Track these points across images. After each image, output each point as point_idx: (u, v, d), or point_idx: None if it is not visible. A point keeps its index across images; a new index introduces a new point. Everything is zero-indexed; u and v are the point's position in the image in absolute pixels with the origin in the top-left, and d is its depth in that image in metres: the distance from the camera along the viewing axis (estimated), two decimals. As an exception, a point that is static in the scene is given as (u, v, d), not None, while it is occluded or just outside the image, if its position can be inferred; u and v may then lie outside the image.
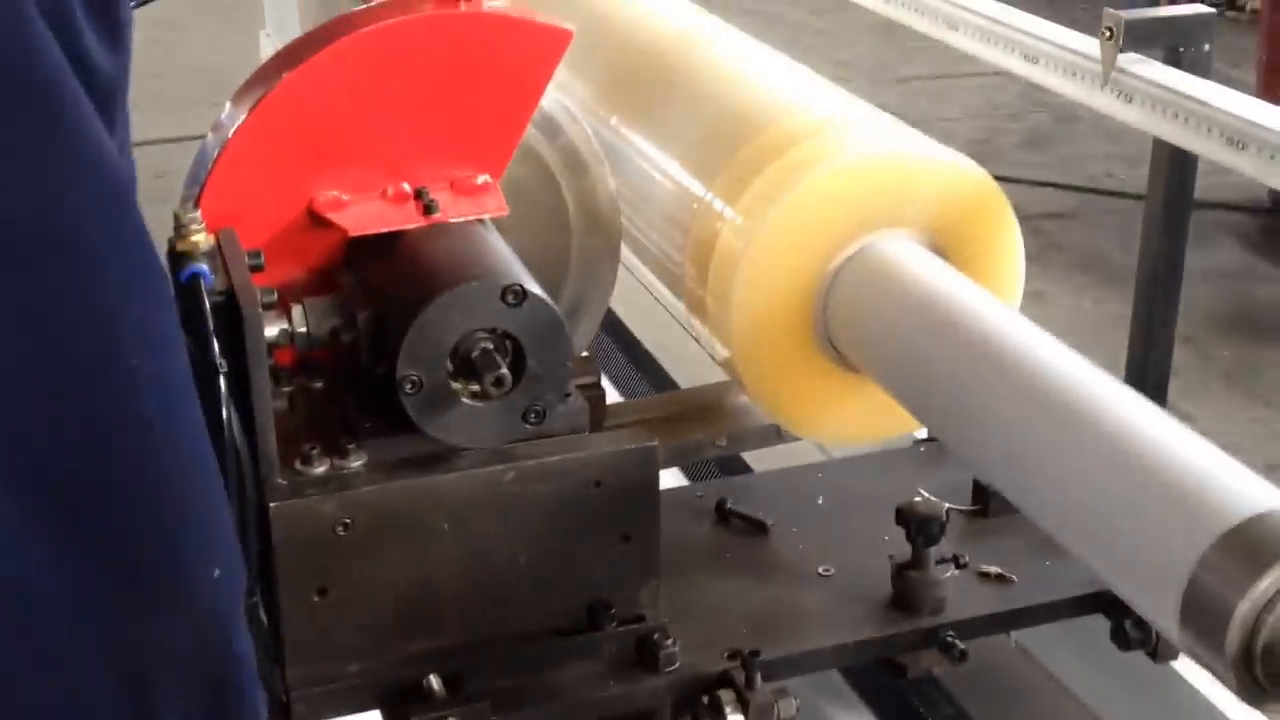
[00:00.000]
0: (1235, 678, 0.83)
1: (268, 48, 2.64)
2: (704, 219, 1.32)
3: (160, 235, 0.87)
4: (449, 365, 1.13)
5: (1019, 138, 5.28)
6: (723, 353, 1.33)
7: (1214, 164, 4.94)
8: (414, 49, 1.22)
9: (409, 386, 1.12)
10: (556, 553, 1.20)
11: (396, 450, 1.17)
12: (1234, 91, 1.28)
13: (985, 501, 1.41)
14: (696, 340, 1.41)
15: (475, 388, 1.13)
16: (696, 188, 1.35)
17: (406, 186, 1.24)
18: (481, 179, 1.27)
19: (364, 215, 1.23)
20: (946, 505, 1.27)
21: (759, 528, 1.41)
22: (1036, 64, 1.45)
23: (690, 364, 1.78)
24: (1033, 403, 1.04)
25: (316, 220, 1.23)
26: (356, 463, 1.15)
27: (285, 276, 1.22)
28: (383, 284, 1.19)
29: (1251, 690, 0.83)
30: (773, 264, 1.25)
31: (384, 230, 1.22)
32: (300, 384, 1.22)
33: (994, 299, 1.20)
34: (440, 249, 1.19)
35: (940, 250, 1.27)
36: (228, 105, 1.22)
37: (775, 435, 1.44)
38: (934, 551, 1.28)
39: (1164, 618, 0.88)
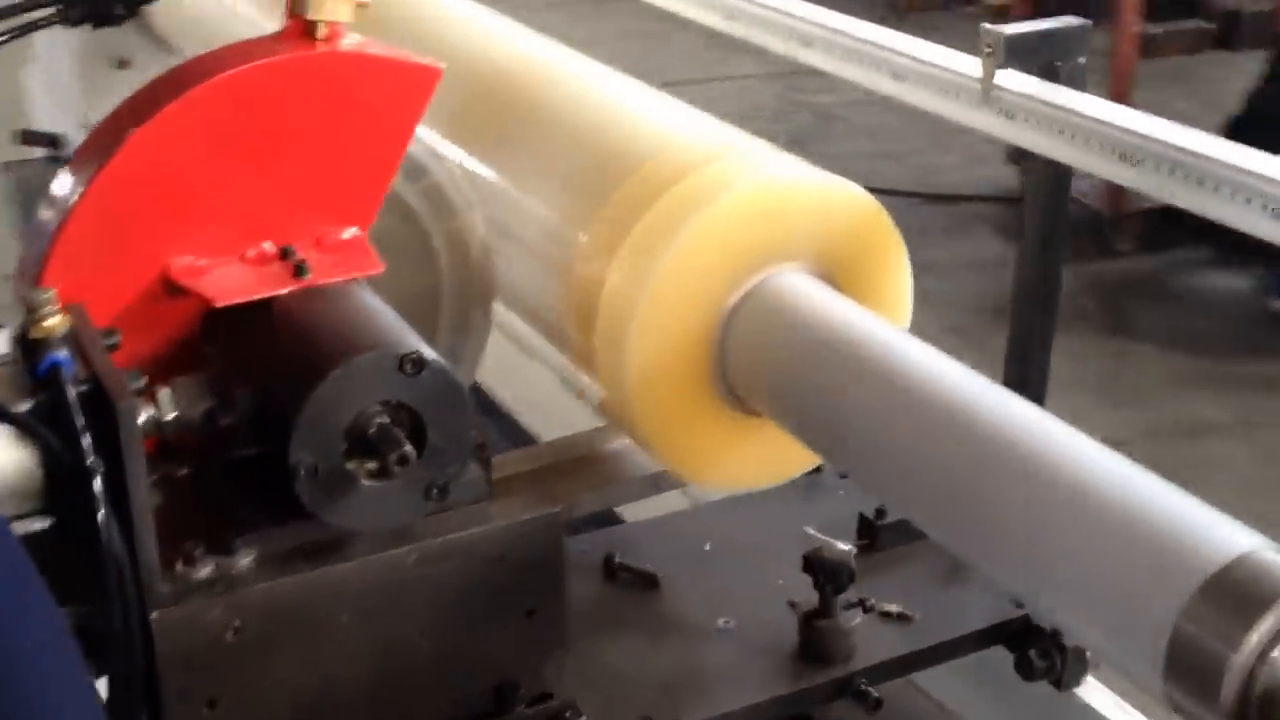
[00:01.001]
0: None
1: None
2: (585, 263, 1.25)
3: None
4: (344, 445, 1.03)
5: (783, 139, 5.31)
6: (599, 396, 1.27)
7: (969, 158, 5.10)
8: (272, 95, 1.12)
9: (303, 472, 1.02)
10: (461, 635, 1.12)
11: (286, 540, 1.06)
12: (1119, 106, 1.28)
13: (873, 535, 1.39)
14: (570, 388, 1.34)
15: (373, 466, 1.04)
16: (571, 230, 1.29)
17: (269, 246, 1.14)
18: (349, 233, 1.18)
19: (228, 282, 1.12)
20: (852, 548, 1.24)
21: (649, 581, 1.36)
22: (905, 81, 1.43)
23: (547, 412, 1.71)
24: (971, 446, 1.02)
25: (170, 289, 1.12)
26: (244, 560, 1.05)
27: (137, 353, 1.10)
28: (260, 359, 1.08)
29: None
30: (667, 309, 1.20)
31: (253, 298, 1.11)
32: (163, 473, 1.10)
33: (906, 333, 1.17)
34: (321, 316, 1.09)
35: (831, 280, 1.23)
36: (63, 170, 1.10)
37: (660, 484, 1.38)
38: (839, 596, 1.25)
39: (1144, 671, 0.86)
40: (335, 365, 1.02)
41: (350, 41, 1.16)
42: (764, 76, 5.82)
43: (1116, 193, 4.43)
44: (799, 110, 5.68)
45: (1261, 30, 6.12)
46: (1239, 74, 5.66)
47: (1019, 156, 4.74)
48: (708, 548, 1.40)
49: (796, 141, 5.29)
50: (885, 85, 1.47)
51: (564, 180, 1.32)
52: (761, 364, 1.20)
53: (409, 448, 1.02)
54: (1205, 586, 0.83)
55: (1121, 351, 4.02)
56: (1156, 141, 1.22)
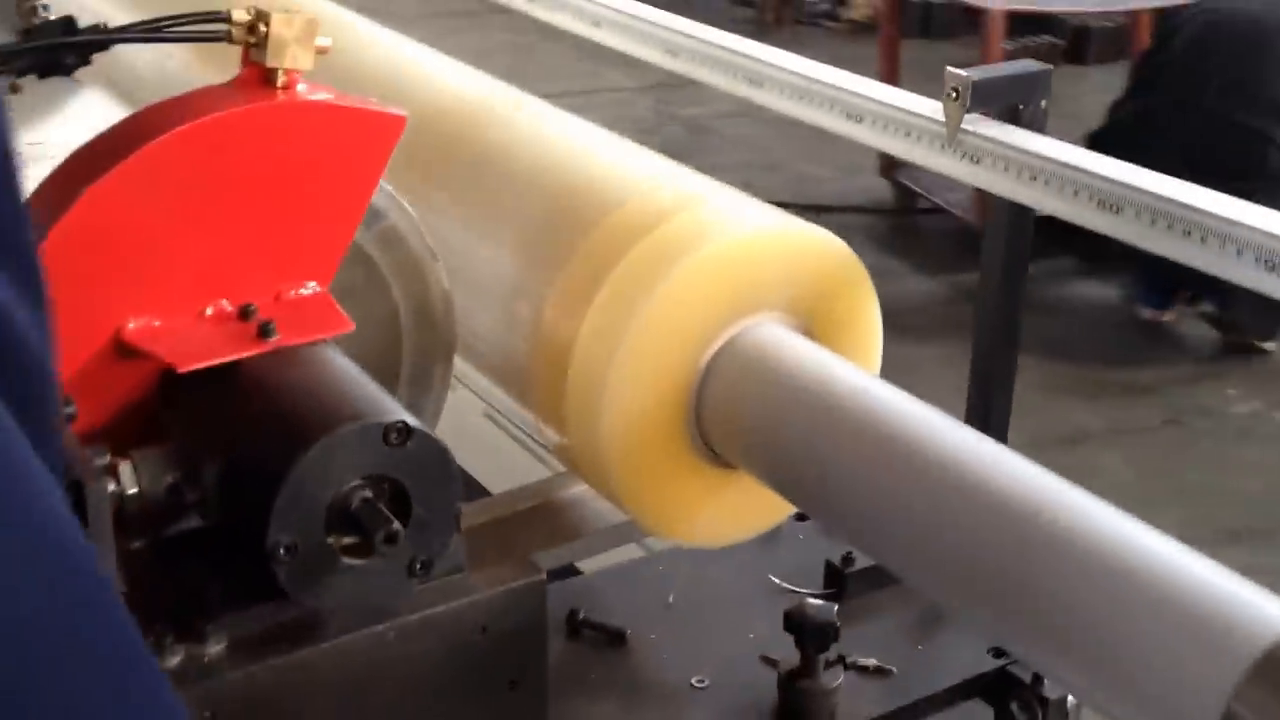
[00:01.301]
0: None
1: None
2: (554, 316, 1.20)
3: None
4: (325, 523, 0.97)
5: (658, 150, 5.33)
6: (569, 451, 1.22)
7: (842, 168, 5.13)
8: (231, 148, 1.04)
9: (282, 553, 0.95)
10: (442, 713, 1.06)
11: (258, 622, 1.00)
12: (1094, 153, 1.27)
13: (841, 584, 1.36)
14: (536, 439, 1.29)
15: (355, 544, 0.98)
16: (536, 281, 1.23)
17: (227, 305, 1.07)
18: (309, 289, 1.11)
19: (188, 345, 1.04)
20: (834, 605, 1.21)
21: (617, 637, 1.31)
22: (860, 123, 1.40)
23: (492, 460, 1.64)
24: (982, 510, 0.99)
25: (124, 352, 1.04)
26: (216, 646, 0.98)
27: (90, 422, 1.02)
28: (228, 429, 1.01)
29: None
30: (645, 364, 1.15)
31: (217, 362, 1.03)
32: (124, 550, 1.02)
33: (886, 383, 1.14)
34: (293, 382, 1.02)
35: (807, 328, 1.20)
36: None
37: (624, 535, 1.34)
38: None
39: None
40: (316, 439, 0.95)
41: (309, 90, 1.09)
42: (636, 89, 5.81)
43: (987, 206, 4.49)
44: (671, 123, 5.68)
45: (1109, 45, 6.30)
46: (1090, 87, 5.81)
47: (891, 168, 4.83)
48: (671, 599, 1.36)
49: (671, 154, 5.28)
50: (840, 126, 1.44)
51: (524, 229, 1.27)
52: (740, 417, 1.16)
53: (397, 525, 0.96)
54: (1259, 663, 0.81)
55: (999, 362, 4.09)
56: (1136, 190, 1.20)
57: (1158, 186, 1.21)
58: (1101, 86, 5.89)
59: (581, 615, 1.31)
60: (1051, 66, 1.37)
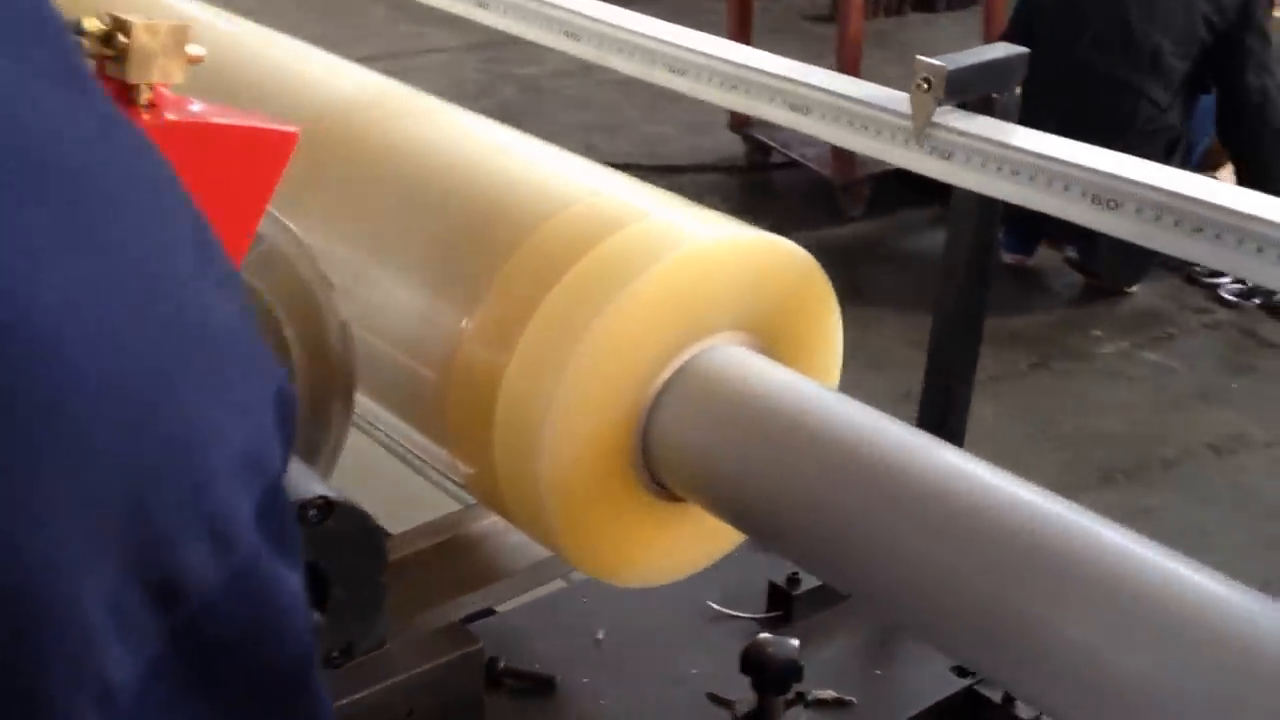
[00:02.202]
0: None
1: None
2: (475, 346, 1.06)
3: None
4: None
5: (492, 114, 5.16)
6: (494, 493, 1.09)
7: (687, 125, 5.03)
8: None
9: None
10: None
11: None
12: (1085, 146, 1.16)
13: (787, 605, 1.25)
14: (447, 475, 1.15)
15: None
16: (452, 307, 1.08)
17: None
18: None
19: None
20: (795, 641, 1.10)
21: (545, 685, 1.18)
22: (809, 115, 1.27)
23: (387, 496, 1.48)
24: (963, 535, 0.88)
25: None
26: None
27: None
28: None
29: None
30: (588, 397, 1.01)
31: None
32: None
33: (853, 400, 1.03)
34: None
35: (765, 345, 1.08)
36: None
37: (543, 573, 1.21)
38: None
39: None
40: (220, 524, 0.80)
41: (180, 106, 0.93)
42: (463, 48, 5.62)
43: (845, 160, 4.44)
44: (504, 83, 5.50)
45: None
46: (943, 35, 5.80)
47: (742, 123, 4.73)
48: (601, 635, 1.24)
49: (507, 117, 5.12)
50: (788, 119, 1.31)
51: (433, 247, 1.12)
52: (696, 448, 1.03)
53: (316, 615, 0.82)
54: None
55: (861, 316, 4.03)
56: (1136, 184, 1.10)
57: (1161, 180, 1.10)
58: (953, 35, 5.89)
59: (502, 664, 1.18)
60: (1027, 50, 1.26)
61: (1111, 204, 1.10)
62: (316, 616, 0.82)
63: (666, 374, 1.03)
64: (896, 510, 0.91)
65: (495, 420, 1.03)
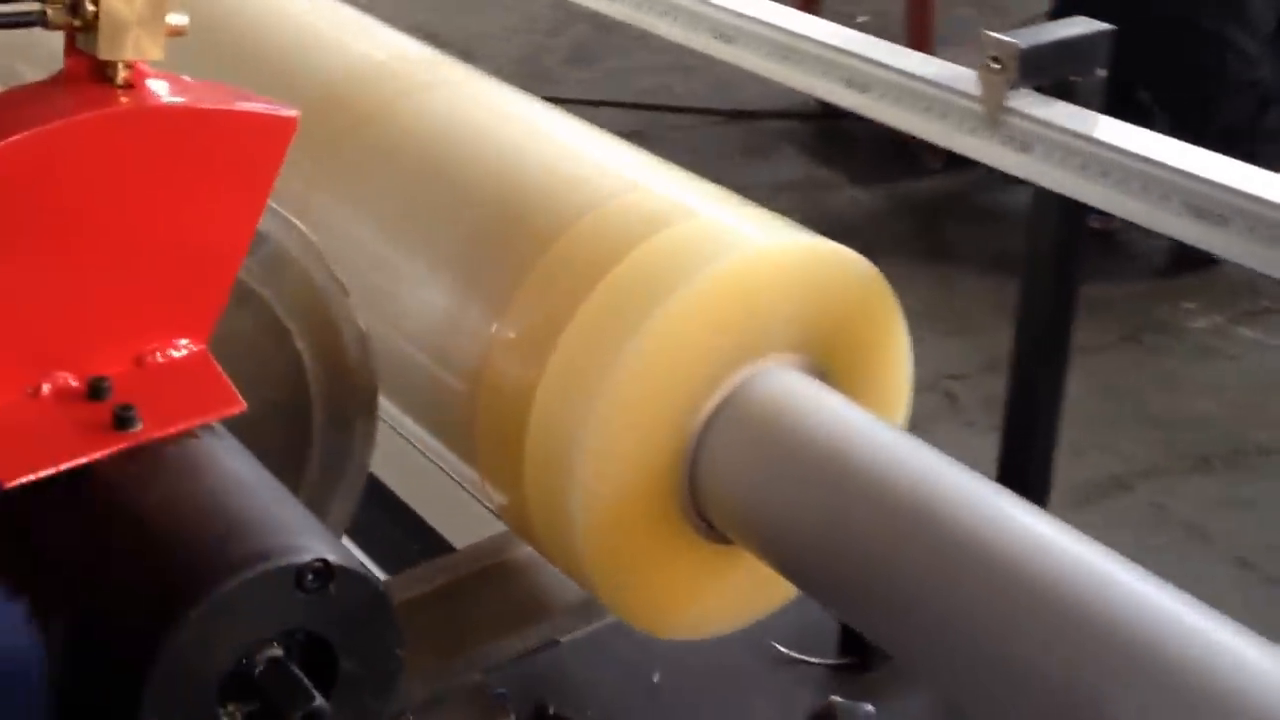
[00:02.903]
0: None
1: None
2: (505, 358, 0.94)
3: None
4: (219, 698, 0.71)
5: (564, 53, 4.99)
6: (529, 527, 0.97)
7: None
8: (58, 170, 0.77)
9: (162, 743, 0.69)
10: None
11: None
12: (1185, 145, 1.01)
13: (863, 651, 1.13)
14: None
15: (255, 710, 0.73)
16: (477, 313, 0.97)
17: (69, 379, 0.80)
18: (184, 348, 0.84)
19: (14, 443, 0.77)
20: (870, 709, 0.97)
21: (595, 733, 1.07)
22: (866, 93, 1.13)
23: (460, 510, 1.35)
24: (1035, 610, 0.77)
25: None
26: None
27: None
28: (78, 570, 0.74)
29: None
30: (625, 425, 0.90)
31: (57, 470, 0.76)
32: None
33: (924, 444, 0.90)
34: (165, 498, 0.76)
35: (824, 371, 0.96)
36: None
37: (593, 612, 1.09)
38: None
39: None
40: (201, 594, 0.69)
41: (164, 88, 0.81)
42: (537, -14, 5.44)
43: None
44: (575, 21, 5.32)
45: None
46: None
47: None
48: (657, 679, 1.12)
49: (579, 59, 4.97)
50: (843, 97, 1.17)
51: (459, 244, 1.00)
52: (742, 487, 0.92)
53: (321, 702, 0.70)
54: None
55: (943, 277, 3.86)
56: (1245, 195, 0.95)
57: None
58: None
59: (552, 710, 1.06)
60: (1111, 28, 1.10)
61: (1218, 218, 0.95)
62: (319, 700, 0.70)
63: (715, 400, 0.91)
64: (967, 579, 0.80)
65: (525, 450, 0.91)
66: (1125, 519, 2.84)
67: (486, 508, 1.02)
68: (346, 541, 0.96)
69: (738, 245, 0.91)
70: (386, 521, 1.28)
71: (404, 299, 1.01)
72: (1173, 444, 3.13)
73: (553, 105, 1.11)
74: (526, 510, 0.95)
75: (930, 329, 3.80)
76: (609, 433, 0.89)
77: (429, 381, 1.00)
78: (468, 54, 5.01)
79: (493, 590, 1.07)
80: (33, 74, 0.83)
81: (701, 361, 0.90)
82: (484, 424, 0.95)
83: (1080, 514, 3.04)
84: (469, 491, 1.04)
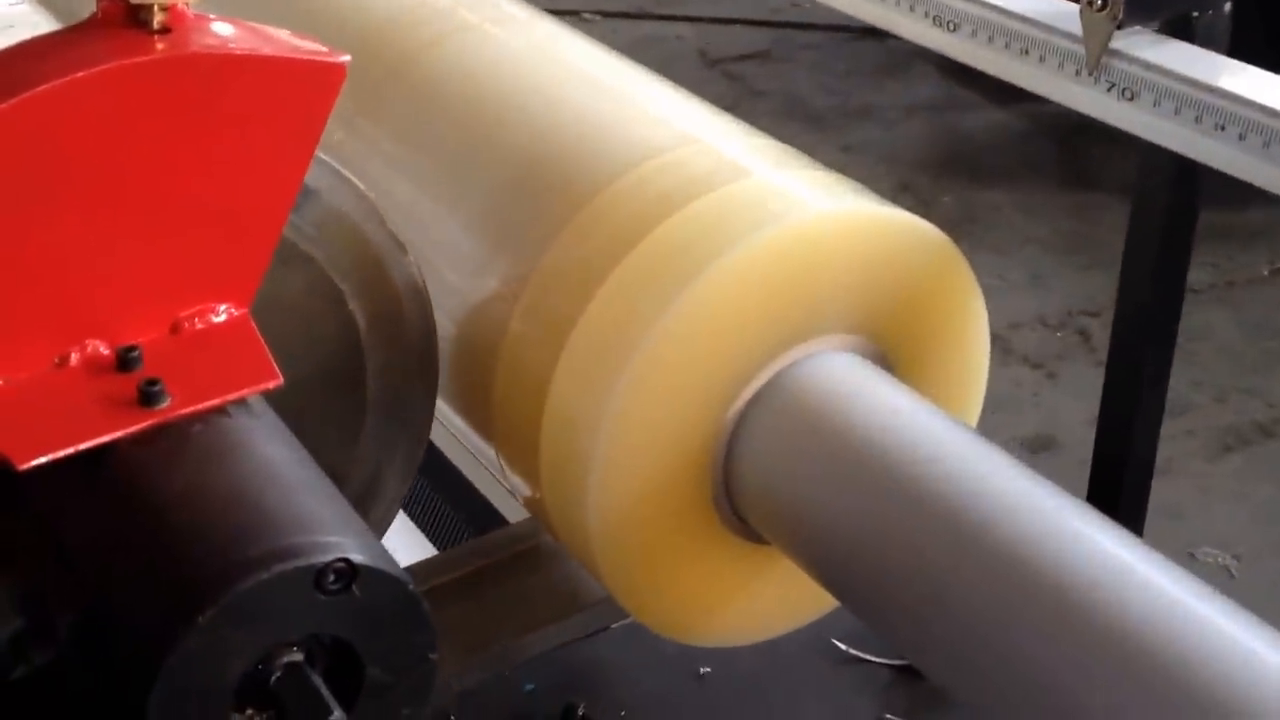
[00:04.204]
0: None
1: None
2: (525, 328, 0.88)
3: None
4: (233, 704, 0.68)
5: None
6: (545, 516, 0.92)
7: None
8: (91, 122, 0.73)
9: (170, 745, 0.67)
10: None
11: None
12: None
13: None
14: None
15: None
16: (502, 278, 0.91)
17: (102, 348, 0.77)
18: (223, 313, 0.80)
19: (33, 421, 0.75)
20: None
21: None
22: (954, 32, 1.05)
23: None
24: (1101, 640, 0.69)
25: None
26: None
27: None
28: (91, 557, 0.72)
29: None
30: (652, 412, 0.83)
31: (74, 450, 0.73)
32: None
33: (988, 443, 0.82)
34: (189, 486, 0.73)
35: (884, 355, 0.88)
36: None
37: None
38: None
39: None
40: (214, 596, 0.66)
41: (204, 32, 0.76)
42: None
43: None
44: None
45: None
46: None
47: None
48: (704, 671, 1.05)
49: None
50: (929, 36, 1.08)
51: (486, 202, 0.94)
52: (781, 484, 0.85)
53: (338, 713, 0.67)
54: None
55: (1083, 204, 3.71)
56: None
57: None
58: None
59: (581, 711, 1.00)
60: None
61: None
62: (337, 712, 0.66)
63: (759, 384, 0.84)
64: (1025, 606, 0.73)
65: (541, 437, 0.85)
66: (1267, 470, 2.71)
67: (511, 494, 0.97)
68: (402, 518, 0.92)
69: (788, 212, 0.83)
70: (439, 497, 1.25)
71: (430, 259, 0.94)
72: (1325, 386, 2.97)
73: (614, 53, 1.03)
74: (544, 501, 0.89)
75: (1066, 261, 3.66)
76: (629, 423, 0.82)
77: (452, 354, 0.94)
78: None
79: (524, 577, 1.02)
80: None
81: (741, 343, 0.83)
82: (501, 405, 0.89)
83: (1219, 463, 2.91)
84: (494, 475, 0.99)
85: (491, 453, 0.95)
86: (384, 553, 0.71)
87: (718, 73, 4.47)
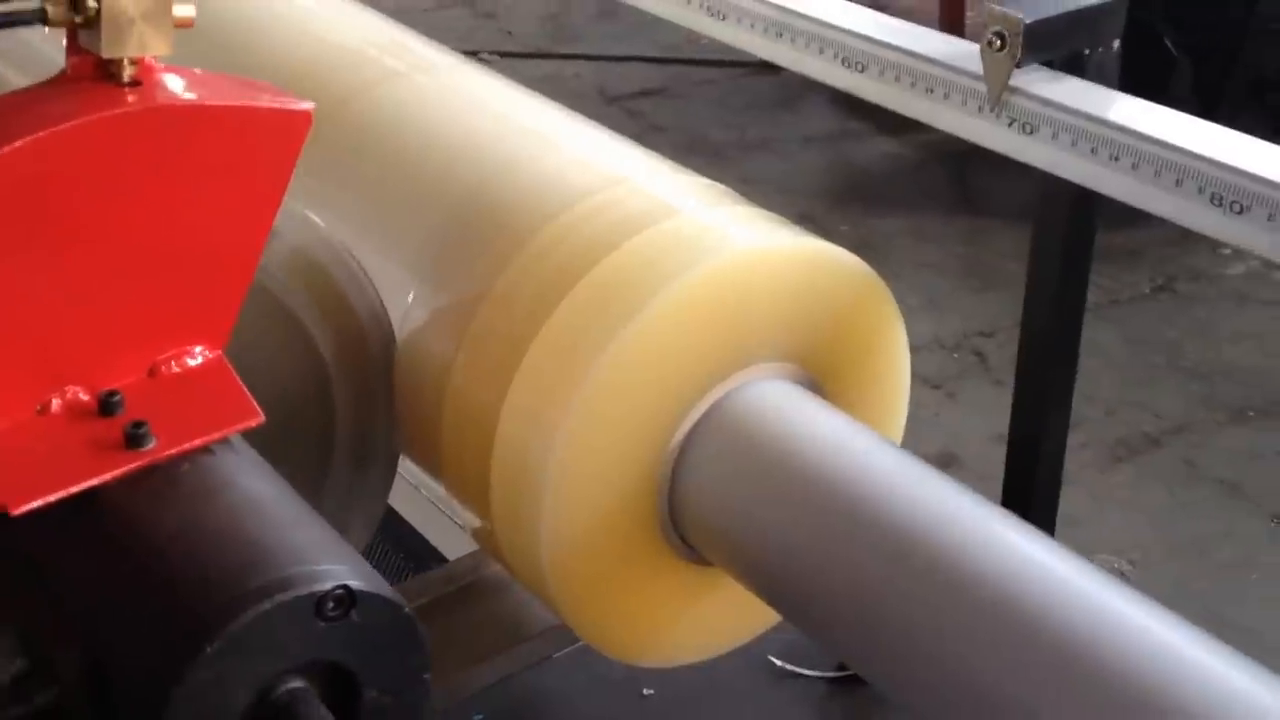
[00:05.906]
0: None
1: None
2: (469, 368, 0.93)
3: None
4: (240, 727, 0.73)
5: (591, 8, 4.97)
6: (495, 548, 0.97)
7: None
8: (65, 174, 0.77)
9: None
10: None
11: None
12: (1209, 124, 0.97)
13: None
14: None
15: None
16: (445, 316, 0.96)
17: (82, 394, 0.81)
18: (199, 355, 0.84)
19: (22, 466, 0.78)
20: None
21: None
22: (862, 72, 1.12)
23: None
24: (1035, 647, 0.76)
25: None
26: None
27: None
28: (89, 596, 0.76)
29: None
30: (599, 442, 0.89)
31: (63, 495, 0.78)
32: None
33: (922, 462, 0.88)
34: (181, 523, 0.77)
35: (816, 381, 0.95)
36: None
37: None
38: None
39: None
40: (218, 628, 0.70)
41: (174, 84, 0.81)
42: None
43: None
44: (605, -25, 5.29)
45: None
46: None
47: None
48: (647, 693, 1.11)
49: (605, 11, 4.93)
50: (839, 77, 1.15)
51: (424, 246, 0.99)
52: (723, 507, 0.91)
53: (334, 729, 0.71)
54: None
55: (973, 229, 3.83)
56: (1263, 181, 0.92)
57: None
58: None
59: None
60: None
61: (1235, 207, 0.92)
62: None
63: (699, 412, 0.89)
64: (960, 611, 0.78)
65: (492, 461, 0.90)
66: (1156, 479, 2.83)
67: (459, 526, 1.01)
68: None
69: (719, 248, 0.89)
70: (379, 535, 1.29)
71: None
72: (1209, 396, 3.11)
73: (539, 96, 1.09)
74: (494, 533, 0.94)
75: (960, 285, 3.78)
76: (580, 452, 0.87)
77: (397, 391, 0.99)
78: (492, 13, 4.99)
79: (468, 611, 1.07)
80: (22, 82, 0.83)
81: (680, 373, 0.89)
82: (449, 439, 0.94)
83: (1111, 473, 3.01)
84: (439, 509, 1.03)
85: (439, 487, 0.99)
86: (378, 578, 0.75)
87: (617, 109, 4.55)
